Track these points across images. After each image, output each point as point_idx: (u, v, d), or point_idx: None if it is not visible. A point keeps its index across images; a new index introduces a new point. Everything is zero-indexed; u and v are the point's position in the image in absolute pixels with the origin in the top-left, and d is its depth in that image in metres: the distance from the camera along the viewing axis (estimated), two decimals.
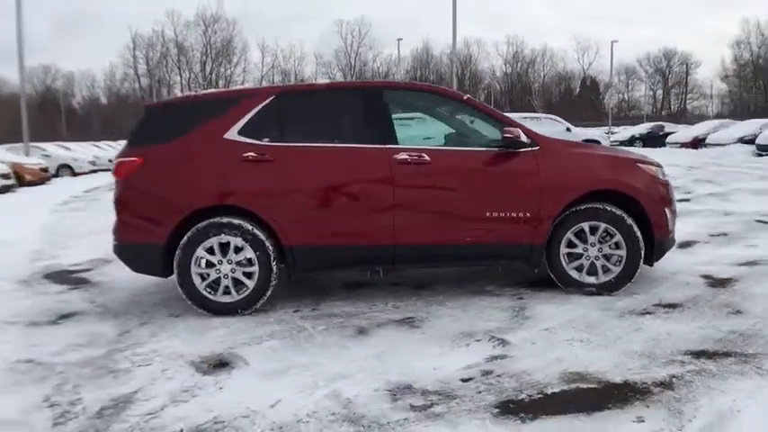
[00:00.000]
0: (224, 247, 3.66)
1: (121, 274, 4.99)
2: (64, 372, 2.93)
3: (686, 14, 73.12)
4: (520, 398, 2.49)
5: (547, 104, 49.16)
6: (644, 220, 3.79)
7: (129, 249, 3.78)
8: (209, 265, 3.68)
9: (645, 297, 3.77)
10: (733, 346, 2.94)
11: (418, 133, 4.06)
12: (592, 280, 3.87)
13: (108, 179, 18.83)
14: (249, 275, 3.69)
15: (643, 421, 2.26)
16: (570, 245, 3.86)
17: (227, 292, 3.70)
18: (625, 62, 52.02)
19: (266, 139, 3.72)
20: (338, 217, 3.71)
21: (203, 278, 3.69)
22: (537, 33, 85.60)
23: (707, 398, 2.42)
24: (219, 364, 2.97)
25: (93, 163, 21.52)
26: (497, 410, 2.39)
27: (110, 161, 22.61)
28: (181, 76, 57.98)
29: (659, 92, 53.19)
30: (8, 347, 3.31)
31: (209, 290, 3.70)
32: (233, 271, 3.68)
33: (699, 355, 2.86)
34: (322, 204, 3.70)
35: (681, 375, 2.64)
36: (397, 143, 3.75)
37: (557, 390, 2.56)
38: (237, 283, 3.70)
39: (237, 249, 3.66)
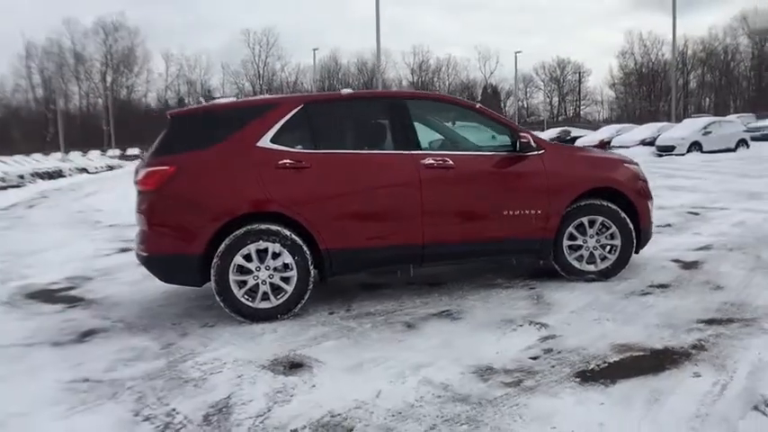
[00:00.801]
0: (261, 254, 3.71)
1: (115, 290, 4.85)
2: (134, 386, 2.87)
3: (575, 26, 79.55)
4: (590, 368, 2.84)
5: None
6: (632, 212, 4.32)
7: (163, 261, 3.71)
8: (247, 272, 3.71)
9: (637, 281, 4.30)
10: (732, 314, 3.50)
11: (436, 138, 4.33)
12: (591, 268, 4.34)
13: (25, 194, 17.36)
14: (286, 280, 3.76)
15: (700, 376, 2.68)
16: (571, 237, 4.31)
17: (265, 298, 3.74)
18: (523, 71, 56.04)
19: (299, 147, 3.83)
20: (371, 220, 3.89)
21: (241, 285, 3.71)
22: (441, 44, 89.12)
23: (737, 354, 2.90)
24: (294, 366, 3.05)
25: (3, 179, 19.59)
26: (579, 379, 2.71)
27: (21, 177, 20.79)
28: (79, 87, 54.21)
29: (555, 99, 57.59)
30: (51, 368, 3.15)
31: (247, 297, 3.72)
32: (271, 277, 3.74)
33: (709, 322, 3.38)
34: (356, 208, 3.86)
35: (706, 339, 3.12)
36: (421, 149, 4.00)
37: (616, 359, 2.93)
38: (275, 289, 3.75)
39: (275, 255, 3.72)
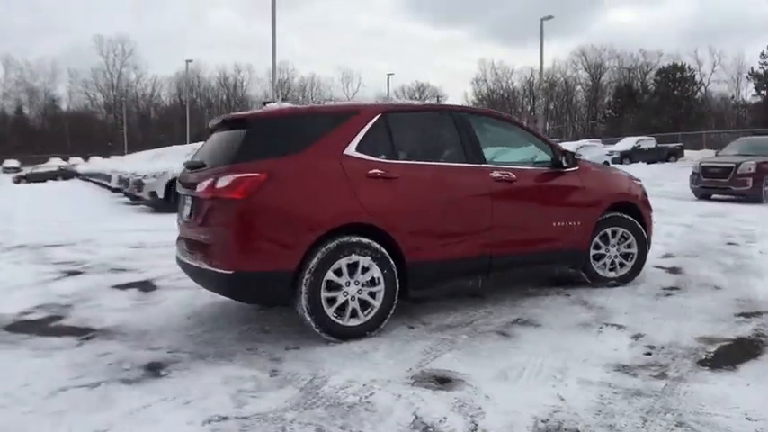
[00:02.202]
0: (351, 268, 3.54)
1: (118, 317, 4.31)
2: (296, 419, 2.57)
3: (428, 53, 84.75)
4: (704, 357, 3.20)
5: None
6: (642, 224, 4.89)
7: (251, 278, 3.34)
8: (336, 287, 3.51)
9: (648, 285, 4.85)
10: (754, 308, 4.13)
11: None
12: (612, 275, 4.81)
13: None
14: (373, 295, 3.63)
15: None
16: (596, 247, 4.74)
17: (353, 314, 3.57)
18: (383, 93, 58.66)
19: (383, 157, 3.74)
20: (450, 231, 3.91)
21: (330, 303, 3.49)
22: (305, 62, 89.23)
23: None
24: (442, 380, 2.98)
25: None
26: (706, 367, 3.06)
27: None
28: None
29: None
30: (162, 410, 2.68)
31: (335, 315, 3.51)
32: (359, 292, 3.58)
33: (745, 315, 3.97)
34: (437, 220, 3.86)
35: (760, 328, 3.68)
36: (486, 162, 4.14)
37: (714, 348, 3.35)
38: (363, 305, 3.60)
39: (364, 269, 3.57)
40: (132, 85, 58.00)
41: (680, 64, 40.35)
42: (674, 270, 5.39)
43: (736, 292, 4.59)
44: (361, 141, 3.68)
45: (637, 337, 3.58)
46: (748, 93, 42.00)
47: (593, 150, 22.61)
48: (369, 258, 3.57)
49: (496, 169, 4.12)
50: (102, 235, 8.64)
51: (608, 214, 4.72)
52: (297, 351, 3.43)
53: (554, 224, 4.39)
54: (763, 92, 37.17)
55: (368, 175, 3.62)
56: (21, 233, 8.76)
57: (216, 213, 3.38)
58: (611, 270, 4.82)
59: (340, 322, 3.53)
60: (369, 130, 3.74)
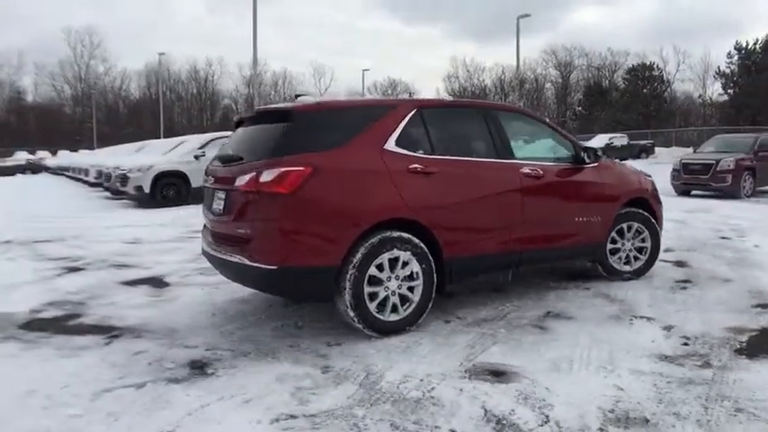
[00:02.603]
0: (391, 263, 3.52)
1: (140, 314, 4.20)
2: (367, 415, 2.54)
3: (400, 50, 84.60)
4: (738, 347, 3.31)
5: None
6: (654, 218, 5.01)
7: (296, 274, 3.29)
8: (377, 283, 3.49)
9: (661, 279, 4.97)
10: (766, 299, 4.29)
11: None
12: (627, 268, 4.92)
13: None
14: (412, 290, 3.62)
15: None
16: (612, 241, 4.84)
17: (394, 310, 3.56)
18: (356, 89, 58.61)
19: (420, 152, 3.72)
20: (485, 226, 3.93)
21: (372, 298, 3.47)
22: (277, 58, 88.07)
23: None
24: (496, 373, 3.00)
25: None
26: (744, 356, 3.16)
27: None
28: None
29: None
30: (222, 408, 2.62)
31: (377, 310, 3.49)
32: (399, 287, 3.57)
33: (764, 306, 4.11)
34: (473, 215, 3.87)
35: None
36: (515, 158, 4.17)
37: (745, 337, 3.47)
38: (402, 300, 3.59)
39: (404, 264, 3.56)
40: (101, 77, 56.32)
41: (649, 63, 41.57)
42: (679, 264, 5.54)
43: (746, 284, 4.75)
44: (399, 136, 3.66)
45: (668, 328, 3.67)
46: (714, 91, 43.51)
47: None
48: (409, 253, 3.55)
49: (526, 165, 4.16)
50: (90, 230, 8.37)
51: (624, 209, 4.82)
52: (340, 347, 3.40)
53: (577, 219, 4.46)
54: (729, 91, 38.50)
55: (408, 170, 3.60)
56: (2, 228, 8.39)
57: (259, 208, 3.31)
58: (626, 264, 4.93)
59: (381, 317, 3.51)
60: (406, 124, 3.72)
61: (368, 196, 3.45)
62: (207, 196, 4.09)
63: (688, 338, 3.48)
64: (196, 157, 11.18)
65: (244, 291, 4.74)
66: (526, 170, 4.13)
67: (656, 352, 3.26)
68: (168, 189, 11.17)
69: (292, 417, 2.53)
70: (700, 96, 45.65)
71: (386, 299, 3.53)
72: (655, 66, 41.34)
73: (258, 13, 24.03)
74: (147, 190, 11.02)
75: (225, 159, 3.72)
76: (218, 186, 3.75)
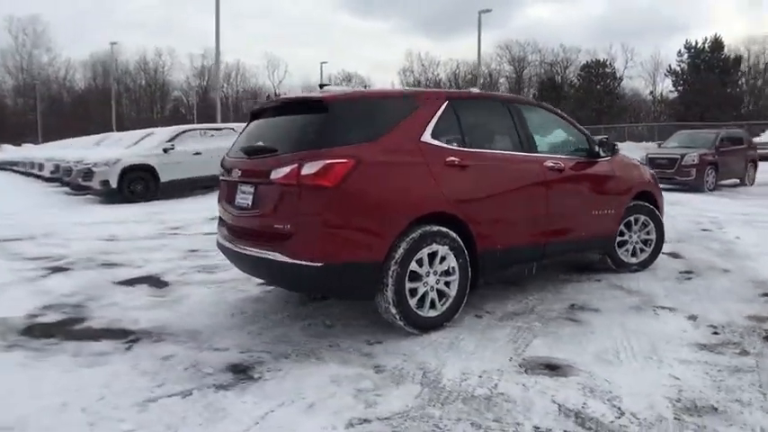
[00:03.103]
0: (430, 258, 3.45)
1: (152, 316, 3.98)
2: (443, 416, 2.47)
3: (352, 43, 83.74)
4: (765, 335, 3.41)
5: (240, 117, 50.27)
6: (658, 211, 5.14)
7: (343, 270, 3.15)
8: (417, 278, 3.41)
9: (663, 270, 5.10)
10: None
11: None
12: (634, 260, 5.03)
13: None
14: (448, 285, 3.56)
15: None
16: (620, 234, 4.93)
17: (432, 305, 3.49)
18: (309, 82, 58.08)
19: (454, 144, 3.65)
20: (514, 219, 3.91)
21: (412, 294, 3.39)
22: (230, 49, 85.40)
23: None
24: (550, 367, 2.98)
25: None
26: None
27: None
28: None
29: None
30: (287, 414, 2.49)
31: (417, 305, 3.41)
32: (437, 282, 3.50)
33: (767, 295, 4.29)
34: (504, 208, 3.84)
35: None
36: (538, 151, 4.17)
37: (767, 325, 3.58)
38: (440, 295, 3.53)
39: (442, 259, 3.50)
40: (44, 67, 53.36)
41: (602, 60, 43.04)
42: (674, 255, 5.71)
43: (744, 274, 4.93)
44: (434, 128, 3.59)
45: (693, 318, 3.76)
46: (665, 88, 45.31)
47: None
48: (447, 248, 3.49)
49: (549, 158, 4.17)
50: (60, 227, 7.88)
51: (632, 202, 4.92)
52: (382, 345, 3.30)
53: (594, 212, 4.52)
54: (679, 88, 40.20)
55: (446, 162, 3.53)
56: None
57: (301, 202, 3.15)
58: (632, 256, 5.03)
59: (421, 314, 3.44)
60: (440, 116, 3.64)
61: (410, 190, 3.36)
62: (225, 189, 3.89)
63: (715, 327, 3.57)
64: (165, 151, 10.70)
65: (253, 289, 4.57)
66: (549, 163, 4.14)
67: (692, 341, 3.33)
68: (136, 184, 10.62)
69: (366, 420, 2.42)
70: (651, 93, 47.68)
71: (425, 294, 3.45)
72: (608, 63, 42.85)
73: (209, 3, 23.12)
74: (113, 185, 10.45)
75: (252, 151, 3.53)
76: (245, 179, 3.56)
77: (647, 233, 5.08)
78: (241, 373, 2.94)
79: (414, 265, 3.37)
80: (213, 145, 11.29)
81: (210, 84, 53.71)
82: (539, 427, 2.35)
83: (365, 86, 57.17)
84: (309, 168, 3.12)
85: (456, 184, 3.56)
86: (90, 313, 4.00)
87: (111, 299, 4.35)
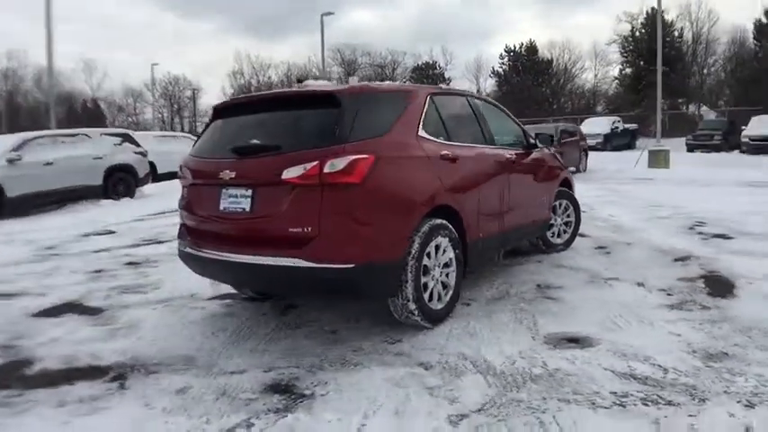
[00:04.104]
0: (436, 251, 3.47)
1: (116, 347, 3.45)
2: (531, 400, 2.52)
3: (181, 45, 77.64)
4: (706, 291, 4.03)
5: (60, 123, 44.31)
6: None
7: (373, 270, 3.01)
8: (426, 272, 3.40)
9: (582, 248, 5.70)
10: (677, 255, 5.27)
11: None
12: (559, 241, 5.56)
13: None
14: (448, 276, 3.61)
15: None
16: None
17: (438, 298, 3.51)
18: (131, 85, 53.27)
19: (441, 138, 3.70)
20: (491, 210, 4.08)
21: (425, 288, 3.38)
22: (41, 52, 73.49)
23: (728, 262, 4.61)
24: (574, 340, 3.20)
25: None
26: (716, 296, 3.87)
27: None
28: None
29: (167, 114, 56.40)
30: (384, 427, 2.33)
31: (428, 299, 3.41)
32: (441, 275, 3.53)
33: (681, 259, 5.04)
34: (484, 199, 3.98)
35: (704, 267, 4.75)
36: (497, 144, 4.40)
37: (699, 283, 4.20)
38: (443, 287, 3.56)
39: (443, 251, 3.53)
40: None
41: (431, 62, 45.99)
42: (580, 234, 6.40)
43: (644, 245, 5.71)
44: (424, 123, 3.60)
45: (641, 285, 4.27)
46: (489, 88, 49.67)
47: None
48: (447, 240, 3.53)
49: (506, 150, 4.44)
50: None
51: (558, 189, 5.44)
52: (404, 343, 3.23)
53: (538, 199, 4.91)
54: (503, 88, 44.35)
55: (441, 156, 3.57)
56: None
57: (324, 202, 2.94)
58: (558, 237, 5.57)
59: (432, 307, 3.44)
60: (426, 111, 3.66)
61: (420, 184, 3.34)
62: (197, 194, 3.49)
63: (666, 290, 4.11)
64: (10, 161, 9.00)
65: (208, 304, 4.20)
66: (508, 155, 4.41)
67: (658, 304, 3.80)
68: None
69: (464, 416, 2.38)
70: (478, 92, 52.02)
71: (432, 288, 3.46)
72: (437, 65, 45.98)
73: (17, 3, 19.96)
74: None
75: (248, 150, 3.20)
76: (238, 182, 3.20)
77: (568, 216, 5.65)
78: (287, 392, 2.67)
79: (425, 259, 3.36)
80: (65, 153, 9.84)
81: (14, 88, 46.58)
82: (616, 392, 2.53)
83: (194, 91, 54.11)
84: (334, 165, 2.93)
85: (450, 178, 3.62)
86: (32, 353, 3.29)
87: (46, 334, 3.61)
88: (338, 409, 2.47)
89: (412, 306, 3.27)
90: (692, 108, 37.88)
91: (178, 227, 3.82)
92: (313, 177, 2.94)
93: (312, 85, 3.60)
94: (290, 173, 2.99)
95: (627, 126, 26.41)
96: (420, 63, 46.35)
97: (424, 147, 3.49)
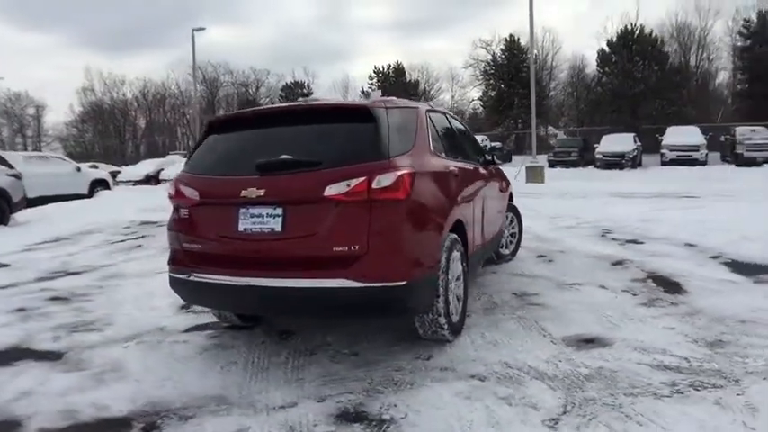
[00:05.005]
0: (453, 264, 3.51)
1: (119, 393, 3.09)
2: (600, 398, 2.64)
3: (23, 60, 67.92)
4: (662, 288, 4.55)
5: None
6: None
7: (419, 286, 2.96)
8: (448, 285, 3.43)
9: (527, 256, 6.12)
10: (615, 259, 5.87)
11: None
12: (507, 251, 5.90)
13: None
14: (459, 289, 3.67)
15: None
16: None
17: (455, 311, 3.55)
18: None
19: (442, 155, 3.76)
20: (479, 223, 4.22)
21: (447, 301, 3.40)
22: None
23: (654, 263, 5.26)
24: (588, 341, 3.41)
25: None
26: (668, 292, 4.39)
27: None
28: None
29: (6, 134, 49.78)
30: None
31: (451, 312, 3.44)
32: (455, 287, 3.58)
33: (619, 263, 5.62)
34: (476, 214, 4.12)
35: (642, 266, 5.35)
36: (472, 160, 4.58)
37: (651, 280, 4.74)
38: (457, 300, 3.61)
39: (457, 264, 3.59)
40: None
41: (300, 81, 45.81)
42: (544, 256, 6.84)
43: (577, 253, 6.22)
44: (431, 138, 3.66)
45: (603, 288, 4.66)
46: None
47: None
48: (459, 253, 3.60)
49: (479, 165, 4.64)
50: None
51: (507, 201, 5.78)
52: (436, 359, 3.22)
53: (501, 211, 5.18)
54: None
55: (449, 171, 3.64)
56: None
57: (373, 218, 2.83)
58: (506, 248, 5.91)
59: (453, 320, 3.47)
60: (429, 128, 3.72)
61: (445, 199, 3.38)
62: (209, 215, 3.18)
63: (628, 291, 4.54)
64: None
65: (191, 337, 3.84)
66: (482, 170, 4.62)
67: (632, 303, 4.18)
68: None
69: (558, 420, 2.44)
70: None
71: (452, 301, 3.50)
72: (305, 84, 45.97)
73: None
74: None
75: (277, 166, 2.98)
76: (266, 200, 2.97)
77: (513, 227, 6.02)
78: (364, 419, 2.52)
79: (449, 273, 3.40)
80: None
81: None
82: (665, 382, 2.77)
83: (37, 108, 48.27)
84: (383, 181, 2.86)
85: (458, 192, 3.70)
86: (11, 413, 2.73)
87: (11, 388, 3.02)
88: (433, 429, 2.40)
89: (442, 320, 3.28)
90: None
91: (170, 253, 3.44)
92: (361, 194, 2.85)
93: (318, 100, 3.48)
94: (333, 189, 2.86)
95: (494, 144, 28.67)
96: (288, 82, 46.13)
97: (437, 162, 3.54)
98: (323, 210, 2.90)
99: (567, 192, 14.06)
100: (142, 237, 8.57)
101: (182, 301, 4.75)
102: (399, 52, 68.85)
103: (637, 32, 32.27)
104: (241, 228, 3.04)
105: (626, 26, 32.68)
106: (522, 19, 54.82)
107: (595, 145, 22.27)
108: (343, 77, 63.08)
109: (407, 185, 2.96)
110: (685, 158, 20.24)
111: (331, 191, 2.86)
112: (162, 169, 22.91)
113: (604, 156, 20.95)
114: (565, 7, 58.04)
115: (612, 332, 3.56)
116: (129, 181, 21.84)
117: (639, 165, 21.36)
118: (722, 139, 22.17)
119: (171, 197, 3.36)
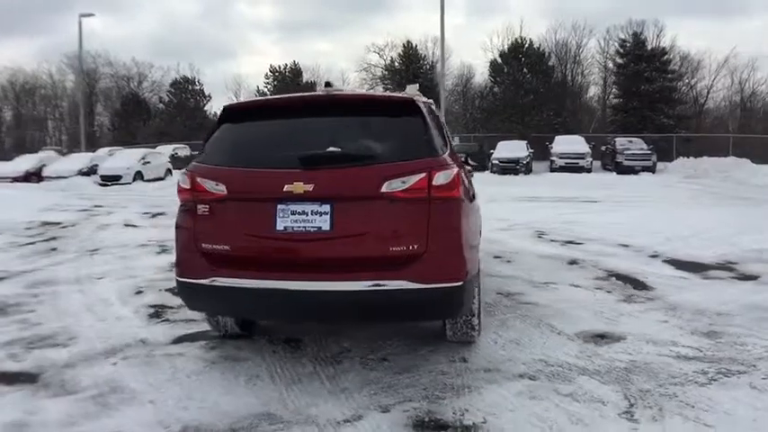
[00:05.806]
0: None
1: (139, 417, 2.66)
2: (664, 385, 2.74)
3: None
4: (631, 289, 4.88)
5: None
6: None
7: (469, 287, 2.89)
8: None
9: (488, 259, 6.26)
10: (572, 260, 6.18)
11: None
12: None
13: None
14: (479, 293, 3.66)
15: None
16: None
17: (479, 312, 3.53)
18: None
19: (448, 150, 3.70)
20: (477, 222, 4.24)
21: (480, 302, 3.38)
22: None
23: (608, 262, 5.65)
24: (603, 336, 3.55)
25: None
26: (639, 288, 4.73)
27: None
28: None
29: None
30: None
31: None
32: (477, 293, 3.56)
33: (575, 262, 5.94)
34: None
35: (612, 271, 5.71)
36: None
37: (612, 279, 5.06)
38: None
39: None
40: None
41: (191, 77, 43.12)
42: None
43: (528, 253, 6.49)
44: (448, 136, 3.61)
45: (576, 287, 4.88)
46: None
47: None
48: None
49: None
50: None
51: None
52: (475, 360, 3.20)
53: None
54: None
55: (467, 170, 3.61)
56: None
57: (433, 216, 2.71)
58: None
59: (479, 321, 3.44)
60: (444, 125, 3.67)
61: (471, 197, 3.34)
62: (236, 213, 2.87)
63: (600, 289, 4.81)
64: None
65: (186, 350, 3.49)
66: (467, 167, 4.64)
67: (612, 300, 4.42)
68: None
69: (629, 411, 2.51)
70: None
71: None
72: (196, 81, 43.40)
73: None
74: None
75: (324, 159, 2.74)
76: (313, 196, 2.72)
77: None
78: (446, 427, 2.43)
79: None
80: None
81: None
82: (697, 371, 2.95)
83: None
84: (442, 178, 2.77)
85: (472, 191, 3.70)
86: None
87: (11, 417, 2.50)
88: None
89: (475, 321, 3.25)
90: None
91: (177, 255, 3.04)
92: (421, 190, 2.73)
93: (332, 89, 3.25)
94: (393, 185, 2.71)
95: None
96: (178, 78, 43.39)
97: (459, 161, 3.50)
98: (377, 207, 2.74)
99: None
100: (53, 238, 7.61)
101: (149, 310, 4.33)
102: (285, 53, 67.91)
103: (526, 46, 34.53)
104: (280, 226, 2.78)
105: (516, 39, 34.87)
106: (407, 25, 56.73)
107: (491, 150, 23.44)
108: (233, 75, 60.80)
109: (458, 183, 2.89)
110: (573, 165, 21.98)
111: (390, 187, 2.71)
112: (44, 165, 20.41)
113: (500, 161, 22.15)
114: (447, 18, 60.95)
115: (616, 327, 3.73)
116: (7, 177, 19.17)
117: (531, 171, 22.86)
118: (603, 148, 24.40)
119: (184, 191, 2.98)
